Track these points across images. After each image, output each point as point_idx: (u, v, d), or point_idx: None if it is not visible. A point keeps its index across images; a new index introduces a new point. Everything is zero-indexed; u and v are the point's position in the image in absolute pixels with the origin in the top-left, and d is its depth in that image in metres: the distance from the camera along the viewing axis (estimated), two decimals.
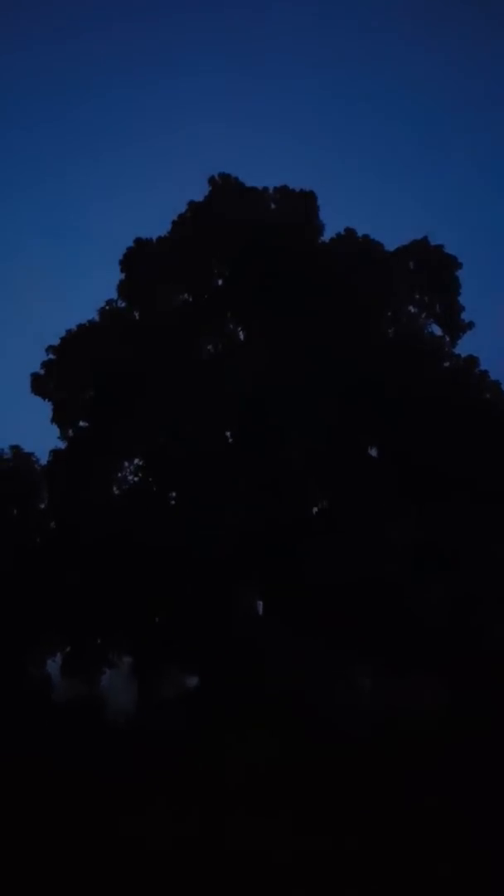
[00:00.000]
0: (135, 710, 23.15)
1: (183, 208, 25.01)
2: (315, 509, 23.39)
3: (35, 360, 25.01)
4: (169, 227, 24.98)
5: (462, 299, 23.80)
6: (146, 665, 23.36)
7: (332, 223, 26.08)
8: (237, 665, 21.29)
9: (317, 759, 17.28)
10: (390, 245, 24.27)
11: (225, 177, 24.66)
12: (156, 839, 11.04)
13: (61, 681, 24.59)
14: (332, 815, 12.25)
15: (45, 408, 25.11)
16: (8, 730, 20.47)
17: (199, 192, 24.97)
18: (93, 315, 25.08)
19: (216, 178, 24.63)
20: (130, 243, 25.14)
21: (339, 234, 24.21)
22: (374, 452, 23.19)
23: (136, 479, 24.67)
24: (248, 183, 24.88)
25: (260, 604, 23.55)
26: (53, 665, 25.37)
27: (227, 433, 23.86)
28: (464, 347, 23.85)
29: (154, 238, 24.98)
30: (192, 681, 24.37)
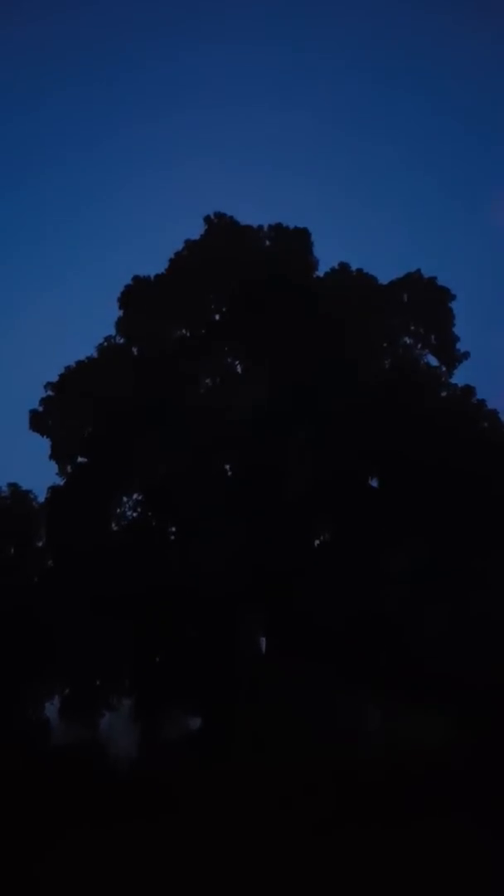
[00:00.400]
0: (136, 754, 22.52)
1: (180, 246, 25.54)
2: (317, 542, 23.22)
3: (33, 396, 25.14)
4: (166, 265, 25.41)
5: (457, 330, 24.16)
6: (147, 707, 22.81)
7: (326, 256, 26.49)
8: (240, 705, 20.82)
9: (326, 797, 16.82)
10: (384, 277, 24.75)
11: (220, 216, 25.21)
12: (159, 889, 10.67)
13: (60, 724, 23.98)
14: (344, 859, 11.90)
15: (43, 444, 25.15)
16: (6, 775, 19.89)
17: (194, 230, 25.55)
18: (91, 351, 25.36)
19: (212, 217, 25.18)
20: (128, 280, 25.60)
21: (333, 269, 24.65)
22: (374, 482, 23.15)
23: (135, 514, 24.52)
24: (243, 220, 25.50)
25: (263, 640, 23.18)
26: (52, 708, 24.79)
27: (227, 466, 23.84)
28: (461, 377, 24.08)
29: (152, 276, 25.37)
30: (195, 721, 23.78)
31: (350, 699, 20.13)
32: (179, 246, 25.30)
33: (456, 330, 24.01)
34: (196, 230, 25.35)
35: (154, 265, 25.61)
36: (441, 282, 24.25)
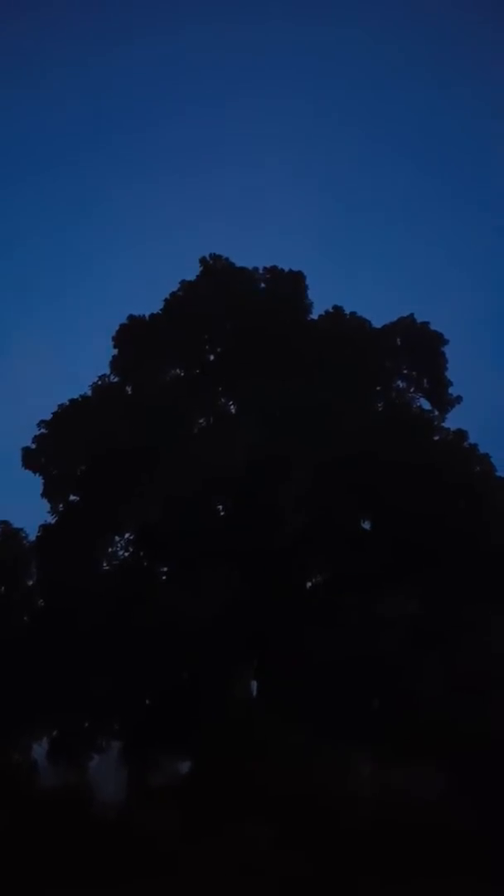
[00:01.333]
0: (124, 799, 22.22)
1: (175, 286, 25.76)
2: (309, 584, 23.18)
3: (26, 434, 25.12)
4: (161, 304, 25.61)
5: (449, 373, 24.40)
6: (136, 750, 22.56)
7: (321, 294, 26.79)
8: (231, 750, 20.61)
9: (316, 850, 16.64)
10: (378, 320, 25.03)
11: (216, 257, 25.49)
12: None
13: (47, 766, 23.65)
14: None
15: (35, 482, 25.08)
16: None
17: (190, 271, 25.81)
18: (85, 389, 25.42)
19: (207, 258, 25.45)
20: (123, 319, 25.77)
21: (327, 312, 24.91)
22: (367, 526, 23.19)
23: (126, 553, 24.43)
24: (239, 262, 25.78)
25: (254, 684, 23.04)
26: (40, 749, 24.47)
27: (220, 507, 23.84)
28: (453, 421, 24.27)
29: (146, 315, 25.55)
30: (184, 766, 23.51)
31: (342, 746, 19.99)
32: (174, 285, 25.61)
33: (448, 374, 24.26)
34: (192, 270, 25.64)
35: (151, 298, 25.68)
36: (434, 326, 24.57)
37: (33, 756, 24.24)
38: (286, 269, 25.39)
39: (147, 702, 23.32)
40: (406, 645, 19.84)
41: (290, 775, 19.26)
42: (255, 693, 22.61)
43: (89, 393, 25.11)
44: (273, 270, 25.33)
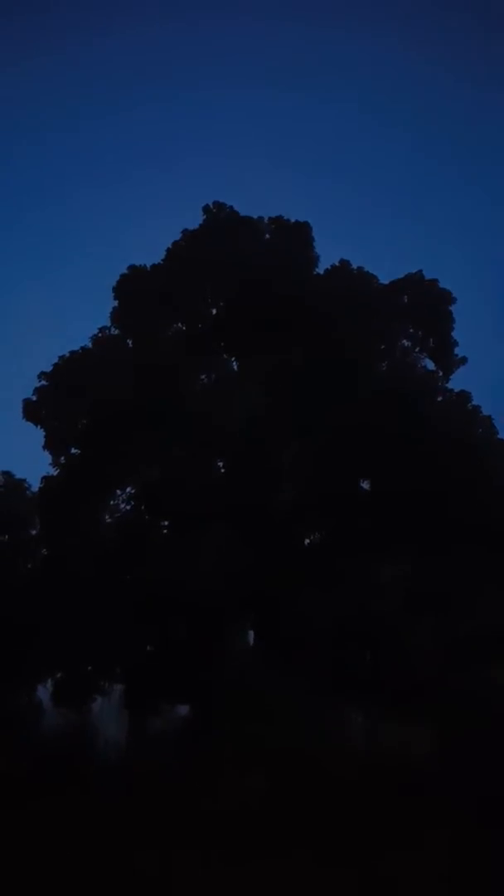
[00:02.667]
0: (125, 739, 23.28)
1: (178, 235, 24.97)
2: (307, 542, 23.50)
3: (27, 384, 24.98)
4: (163, 254, 24.88)
5: (455, 333, 23.94)
6: (137, 694, 23.42)
7: (327, 247, 26.05)
8: (228, 697, 21.42)
9: (310, 792, 17.44)
10: (385, 277, 24.36)
11: (220, 206, 24.57)
12: (149, 874, 11.08)
13: (52, 708, 24.65)
14: (329, 850, 12.35)
15: (37, 434, 25.11)
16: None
17: (194, 219, 24.96)
18: (85, 341, 25.08)
19: (211, 206, 24.53)
20: (124, 269, 25.12)
21: (333, 266, 24.19)
22: (366, 487, 23.30)
23: (128, 507, 24.68)
24: (244, 211, 24.88)
25: (251, 634, 23.72)
26: (44, 691, 25.46)
27: (220, 464, 23.91)
28: (457, 381, 24.00)
29: (148, 265, 24.87)
30: (183, 709, 24.51)
31: (334, 700, 20.76)
32: (177, 235, 24.84)
33: (454, 334, 23.80)
34: (195, 220, 24.78)
35: (154, 253, 25.06)
36: (443, 284, 23.93)
37: (38, 697, 25.30)
38: (292, 220, 24.51)
39: (148, 648, 24.01)
40: (400, 605, 20.31)
41: (285, 723, 20.10)
42: (252, 645, 23.28)
43: (90, 345, 24.76)
44: (278, 221, 24.46)
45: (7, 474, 26.02)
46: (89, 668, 24.29)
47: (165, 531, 24.38)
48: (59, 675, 24.56)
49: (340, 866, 11.24)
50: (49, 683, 25.07)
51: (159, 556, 22.58)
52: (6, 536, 25.83)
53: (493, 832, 12.86)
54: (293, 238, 24.19)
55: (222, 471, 23.56)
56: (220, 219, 24.43)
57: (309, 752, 18.73)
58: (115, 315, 24.83)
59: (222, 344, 24.15)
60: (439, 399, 23.44)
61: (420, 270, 23.93)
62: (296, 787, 17.38)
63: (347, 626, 20.04)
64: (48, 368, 24.65)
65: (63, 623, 22.94)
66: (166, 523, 24.62)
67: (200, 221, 24.73)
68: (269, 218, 24.50)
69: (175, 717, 23.91)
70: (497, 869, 11.10)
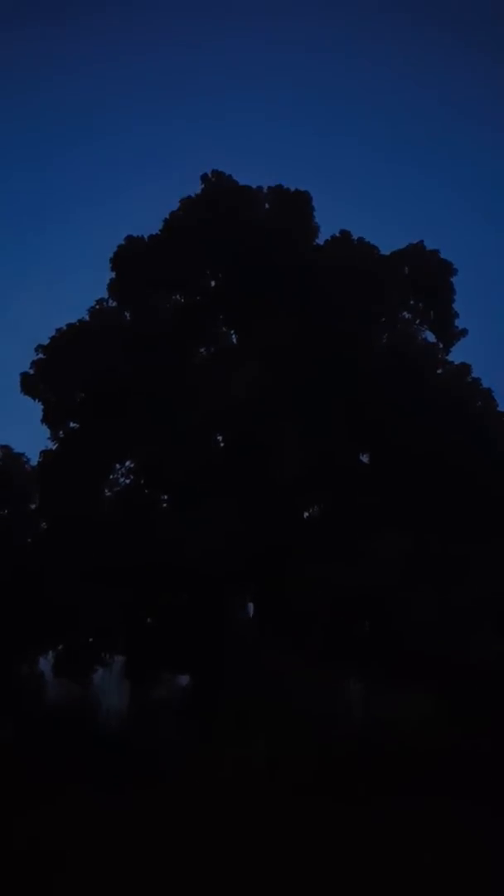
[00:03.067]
0: (127, 710, 23.59)
1: (175, 205, 24.56)
2: (306, 514, 23.59)
3: (25, 357, 24.73)
4: (161, 224, 24.51)
5: (456, 305, 23.76)
6: (138, 665, 23.68)
7: (328, 221, 25.67)
8: (229, 668, 21.67)
9: (310, 762, 17.76)
10: (385, 248, 24.06)
11: (218, 174, 24.14)
12: (150, 843, 11.30)
13: (53, 679, 24.93)
14: (328, 817, 12.63)
15: (35, 408, 24.96)
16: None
17: (193, 188, 24.52)
18: (83, 313, 24.81)
19: (209, 175, 24.10)
20: (121, 240, 24.74)
21: (333, 237, 23.89)
22: (366, 459, 23.32)
23: (127, 481, 24.67)
24: (243, 180, 24.45)
25: (251, 606, 23.91)
26: (46, 663, 25.70)
27: (220, 438, 23.85)
28: (457, 353, 23.90)
29: (146, 236, 24.51)
30: (184, 680, 24.81)
31: (332, 672, 21.00)
32: (176, 205, 24.44)
33: (455, 306, 23.62)
34: (194, 187, 24.35)
35: (152, 224, 24.63)
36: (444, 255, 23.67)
37: (40, 669, 25.55)
38: (292, 189, 24.12)
39: (148, 620, 24.22)
40: (400, 577, 20.43)
41: (284, 692, 20.37)
42: (252, 617, 23.48)
43: (87, 318, 24.50)
44: (278, 190, 24.07)
45: (6, 448, 25.97)
46: (90, 639, 24.51)
47: (165, 505, 24.43)
48: (60, 646, 24.77)
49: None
50: (50, 655, 25.30)
51: (159, 529, 22.65)
52: (6, 510, 25.85)
53: (490, 806, 13.10)
54: (293, 208, 23.83)
55: (222, 444, 23.51)
56: (218, 188, 24.01)
57: (307, 722, 19.03)
58: (113, 287, 24.52)
59: (221, 316, 23.93)
60: (439, 371, 23.36)
61: (421, 241, 23.72)
62: (292, 755, 17.67)
63: (347, 598, 20.18)
64: (43, 339, 24.40)
65: (63, 595, 23.08)
66: (166, 497, 24.66)
67: (198, 190, 24.31)
68: (269, 187, 24.14)
69: (176, 687, 24.23)
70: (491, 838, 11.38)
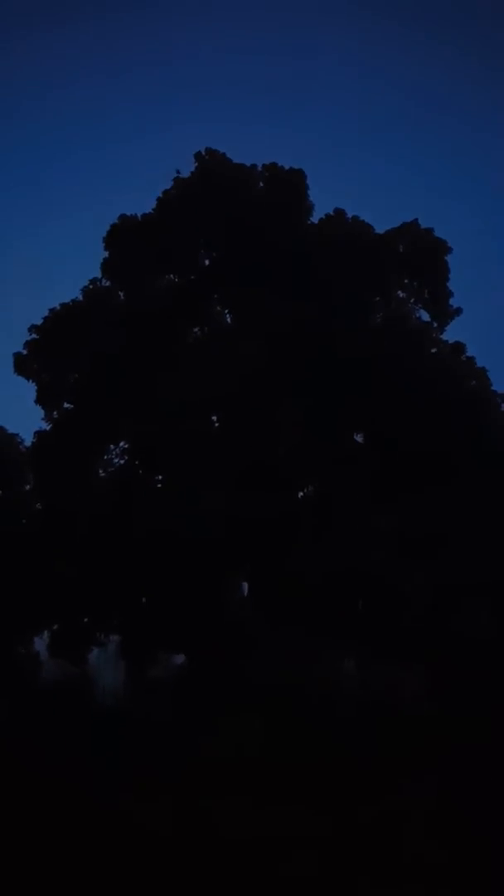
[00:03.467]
0: (122, 689, 23.68)
1: (169, 183, 24.39)
2: (301, 494, 23.62)
3: (17, 338, 24.66)
4: (154, 203, 24.35)
5: (451, 284, 23.71)
6: (134, 644, 23.75)
7: (322, 199, 25.48)
8: (224, 647, 21.77)
9: (303, 739, 17.86)
10: (380, 227, 23.96)
11: (212, 152, 23.94)
12: (146, 821, 11.32)
13: (49, 659, 24.99)
14: (323, 797, 12.66)
15: (29, 388, 24.87)
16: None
17: (187, 166, 24.32)
18: (76, 293, 24.67)
19: (203, 153, 23.91)
20: (114, 218, 24.58)
21: (328, 215, 23.78)
22: (360, 438, 23.33)
23: (121, 462, 24.66)
24: (237, 158, 24.27)
25: (246, 586, 23.98)
26: (41, 643, 25.75)
27: (214, 418, 23.82)
28: (452, 333, 23.85)
29: (139, 215, 24.35)
30: (179, 659, 24.92)
31: (329, 647, 21.13)
32: (170, 181, 24.26)
33: (449, 285, 23.56)
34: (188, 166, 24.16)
35: (147, 202, 24.51)
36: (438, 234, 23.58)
37: (35, 648, 25.59)
38: (286, 167, 23.95)
39: (143, 600, 24.27)
40: (393, 554, 20.52)
41: (278, 670, 20.48)
42: (246, 596, 23.56)
43: (80, 298, 24.36)
44: (272, 168, 23.89)
45: (0, 429, 25.84)
46: (85, 619, 24.57)
47: (159, 485, 24.42)
48: (55, 626, 24.83)
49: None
50: (46, 635, 25.35)
51: (154, 509, 22.67)
52: (0, 491, 25.78)
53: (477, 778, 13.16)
54: (287, 186, 23.67)
55: (216, 424, 23.48)
56: (212, 166, 23.82)
57: (300, 695, 19.14)
58: (107, 266, 24.38)
59: (215, 295, 23.83)
60: (434, 350, 23.33)
61: (416, 219, 23.61)
62: (286, 726, 17.74)
63: (340, 575, 20.26)
64: (36, 320, 24.29)
65: (59, 576, 23.12)
66: (160, 478, 24.65)
67: (192, 168, 24.12)
68: (263, 165, 23.96)
69: (171, 666, 24.33)
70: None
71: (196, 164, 24.01)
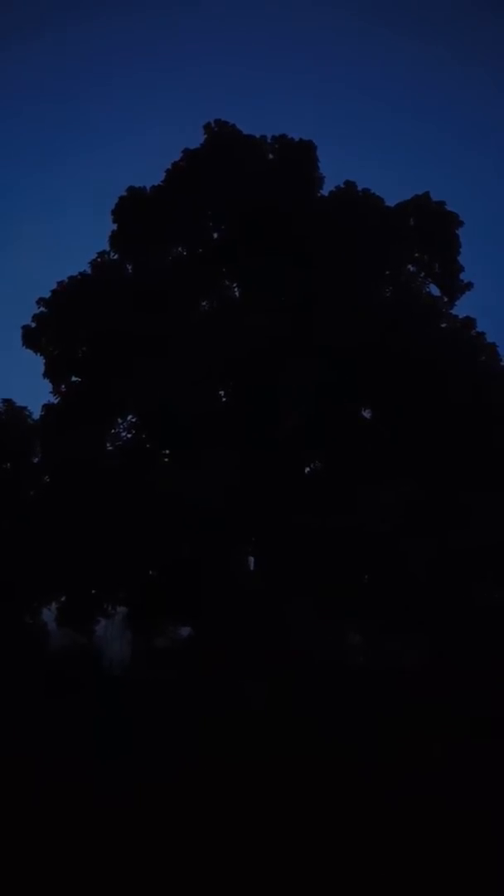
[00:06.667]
0: (129, 660, 23.98)
1: (178, 155, 24.19)
2: (308, 469, 23.65)
3: (26, 310, 24.62)
4: (163, 175, 24.16)
5: (462, 258, 23.47)
6: (140, 616, 24.00)
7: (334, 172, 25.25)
8: (230, 620, 21.96)
9: (308, 708, 18.05)
10: (391, 200, 23.71)
11: (221, 124, 23.70)
12: (152, 791, 11.51)
13: (57, 630, 25.29)
14: (326, 768, 12.82)
15: (37, 362, 24.89)
16: (4, 676, 21.23)
17: (196, 138, 24.11)
18: (84, 266, 24.60)
19: (212, 124, 23.68)
20: (122, 192, 24.42)
21: (338, 187, 23.53)
22: (368, 414, 23.30)
23: (129, 435, 24.70)
24: (247, 130, 24.04)
25: (252, 560, 24.12)
26: (49, 614, 26.05)
27: (222, 392, 23.81)
28: (462, 308, 23.69)
29: (147, 187, 24.19)
30: (185, 631, 25.16)
31: (335, 617, 21.26)
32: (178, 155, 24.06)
33: (461, 259, 23.33)
34: (197, 139, 23.94)
35: (156, 175, 24.25)
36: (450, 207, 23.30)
37: (43, 619, 25.88)
38: (296, 139, 23.69)
39: (150, 572, 24.47)
40: (400, 528, 20.55)
41: (285, 642, 20.65)
42: (253, 569, 23.70)
43: (89, 271, 24.29)
44: (282, 140, 23.64)
45: (8, 402, 25.89)
46: (93, 591, 24.80)
47: (167, 458, 24.50)
48: (63, 598, 25.08)
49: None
50: (53, 606, 25.62)
51: (160, 481, 22.74)
52: (8, 464, 25.90)
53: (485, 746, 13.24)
54: (297, 157, 23.43)
55: (224, 399, 23.48)
56: (221, 138, 23.60)
57: (308, 666, 19.32)
58: (114, 239, 24.26)
59: (224, 269, 23.70)
60: (443, 325, 23.17)
61: (427, 192, 23.32)
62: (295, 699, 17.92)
63: (346, 550, 20.33)
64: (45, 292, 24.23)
65: (66, 547, 23.30)
66: (167, 451, 24.72)
67: (202, 140, 23.91)
68: (273, 136, 23.70)
69: (178, 637, 24.57)
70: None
71: (205, 135, 23.79)
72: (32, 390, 26.14)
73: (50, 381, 24.67)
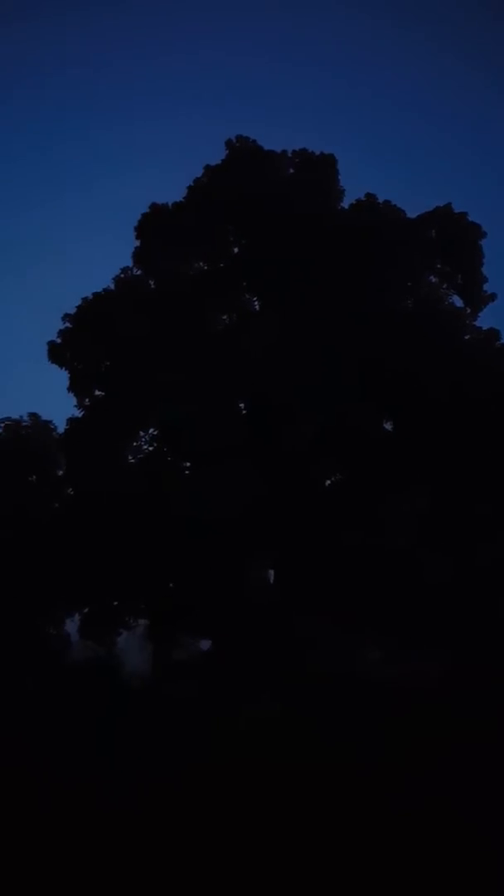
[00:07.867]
0: (149, 672, 24.01)
1: (200, 172, 24.48)
2: (328, 482, 23.46)
3: (53, 328, 25.08)
4: (185, 192, 24.48)
5: (485, 269, 23.14)
6: (161, 628, 24.04)
7: (353, 185, 25.19)
8: (249, 632, 21.83)
9: (324, 723, 17.75)
10: (412, 212, 23.55)
11: (242, 139, 23.94)
12: (169, 800, 11.44)
13: (79, 641, 25.50)
14: (341, 781, 12.57)
15: (62, 376, 25.34)
16: (29, 686, 21.50)
17: (217, 155, 24.38)
18: (108, 282, 25.02)
19: (234, 140, 23.92)
20: (145, 209, 24.81)
21: (359, 200, 23.49)
22: (388, 426, 23.02)
23: (150, 448, 24.91)
24: (268, 145, 24.21)
25: (272, 573, 23.98)
26: (72, 625, 26.31)
27: (241, 405, 23.85)
28: (486, 319, 23.33)
29: (170, 204, 24.52)
30: (205, 644, 25.09)
31: (353, 632, 20.94)
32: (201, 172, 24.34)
33: (484, 270, 23.00)
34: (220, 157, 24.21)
35: (177, 191, 24.66)
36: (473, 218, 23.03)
37: (66, 630, 26.15)
38: (317, 153, 23.76)
39: (171, 585, 24.53)
40: (418, 543, 20.21)
41: (303, 656, 20.41)
42: (272, 583, 23.55)
43: (112, 286, 24.69)
44: (303, 154, 23.74)
45: (34, 416, 26.43)
46: (115, 603, 24.98)
47: (187, 471, 24.60)
48: (85, 609, 25.31)
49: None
50: (76, 618, 25.86)
51: (181, 495, 22.84)
52: (34, 476, 26.37)
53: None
54: (318, 171, 23.49)
55: (244, 412, 23.51)
56: (242, 153, 23.84)
57: (325, 680, 19.01)
58: (137, 255, 24.64)
59: (244, 283, 23.82)
60: (466, 337, 22.82)
61: (449, 203, 23.14)
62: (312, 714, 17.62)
63: (364, 563, 20.07)
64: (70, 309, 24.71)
65: (89, 560, 23.54)
66: (188, 464, 24.84)
67: (223, 156, 24.17)
68: (294, 151, 23.82)
69: (197, 650, 24.51)
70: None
71: (226, 150, 24.04)
72: (59, 404, 26.60)
73: (74, 395, 25.10)
